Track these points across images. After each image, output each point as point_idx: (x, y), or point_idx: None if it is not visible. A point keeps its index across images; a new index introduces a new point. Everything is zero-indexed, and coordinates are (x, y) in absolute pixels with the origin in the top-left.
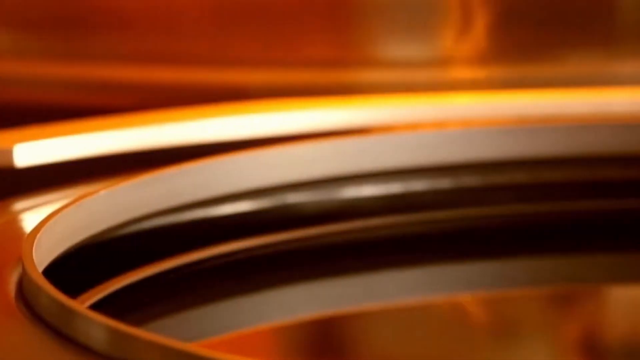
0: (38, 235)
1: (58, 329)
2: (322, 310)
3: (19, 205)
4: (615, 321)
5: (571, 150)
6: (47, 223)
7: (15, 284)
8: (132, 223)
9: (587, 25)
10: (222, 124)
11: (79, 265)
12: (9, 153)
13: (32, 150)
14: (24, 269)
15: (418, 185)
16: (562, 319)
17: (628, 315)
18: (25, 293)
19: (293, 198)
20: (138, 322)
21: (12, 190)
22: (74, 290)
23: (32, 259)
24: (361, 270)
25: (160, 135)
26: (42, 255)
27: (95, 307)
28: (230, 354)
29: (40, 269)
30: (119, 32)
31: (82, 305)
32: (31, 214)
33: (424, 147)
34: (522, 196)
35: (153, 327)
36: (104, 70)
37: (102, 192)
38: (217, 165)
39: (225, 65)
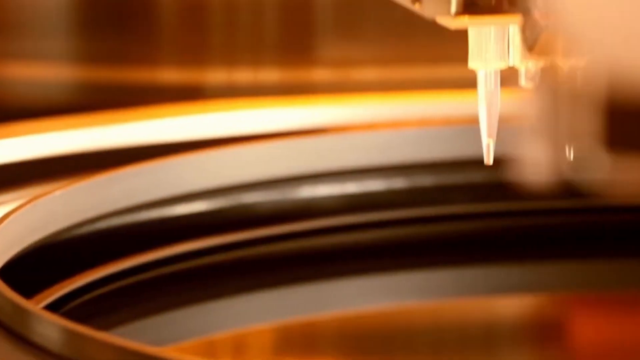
0: None
1: (13, 330)
2: (276, 316)
3: None
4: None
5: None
6: (1, 223)
7: None
8: (88, 223)
9: None
10: (177, 123)
11: (34, 266)
12: None
13: None
14: None
15: (374, 184)
16: (526, 323)
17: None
18: None
19: (249, 198)
20: (92, 323)
21: None
22: (29, 290)
23: None
24: (317, 273)
25: (115, 136)
26: None
27: (50, 307)
28: (183, 353)
29: None
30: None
31: (36, 305)
32: None
33: (379, 147)
34: (477, 196)
35: (107, 328)
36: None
37: (57, 193)
38: (172, 165)
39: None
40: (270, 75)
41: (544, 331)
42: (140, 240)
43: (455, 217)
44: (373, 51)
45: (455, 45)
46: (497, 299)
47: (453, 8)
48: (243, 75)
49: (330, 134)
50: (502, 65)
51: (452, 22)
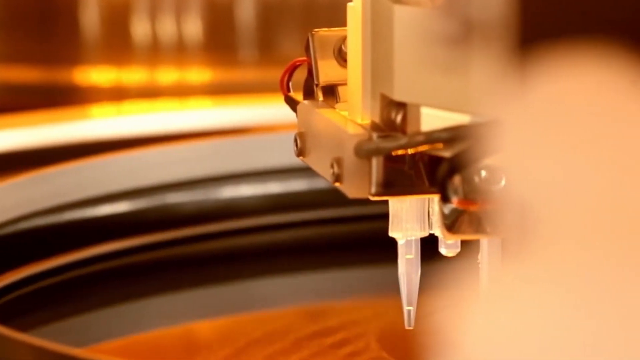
0: None
1: None
2: (199, 316)
3: None
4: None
5: None
6: None
7: None
8: (10, 224)
9: None
10: (100, 124)
11: None
12: None
13: None
14: None
15: (297, 184)
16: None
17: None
18: None
19: (172, 198)
20: (13, 324)
21: None
22: None
23: None
24: (240, 273)
25: (38, 136)
26: None
27: None
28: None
29: None
30: None
31: None
32: None
33: None
34: None
35: (28, 328)
36: None
37: None
38: (95, 165)
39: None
40: (194, 75)
41: None
42: (63, 241)
43: (378, 216)
44: (297, 51)
45: None
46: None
47: (373, 189)
48: (166, 75)
49: (254, 134)
50: (422, 234)
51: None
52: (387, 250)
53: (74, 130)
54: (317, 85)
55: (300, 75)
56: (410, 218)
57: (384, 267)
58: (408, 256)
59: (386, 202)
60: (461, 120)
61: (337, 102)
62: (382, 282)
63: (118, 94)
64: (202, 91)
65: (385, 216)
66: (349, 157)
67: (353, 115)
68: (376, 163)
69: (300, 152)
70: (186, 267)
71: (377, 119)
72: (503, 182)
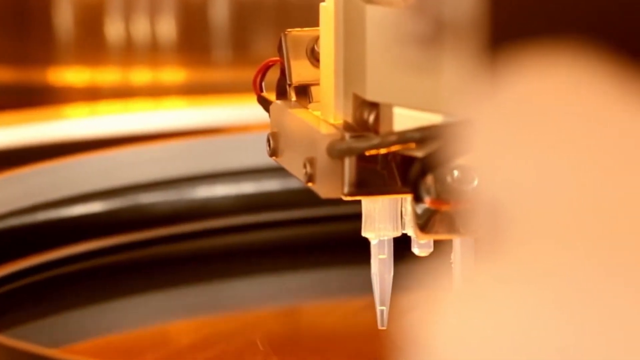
0: None
1: None
2: (173, 316)
3: None
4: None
5: None
6: None
7: None
8: None
9: None
10: (75, 124)
11: None
12: None
13: None
14: None
15: (271, 185)
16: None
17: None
18: None
19: (146, 198)
20: None
21: None
22: None
23: None
24: (214, 273)
25: (11, 136)
26: None
27: None
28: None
29: None
30: None
31: None
32: None
33: None
34: None
35: (3, 328)
36: None
37: None
38: (69, 166)
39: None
40: (168, 75)
41: None
42: (37, 241)
43: (351, 216)
44: (271, 51)
45: None
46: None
47: (345, 189)
48: (140, 76)
49: (227, 134)
50: (395, 234)
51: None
52: (361, 250)
53: (48, 131)
54: (289, 85)
55: (273, 75)
56: (383, 218)
57: (359, 267)
58: (381, 256)
59: (359, 202)
60: (433, 120)
61: (309, 102)
62: (356, 282)
63: (92, 94)
64: (176, 91)
65: (358, 216)
66: (321, 157)
67: (326, 116)
68: (349, 163)
69: (273, 152)
70: (160, 267)
71: (349, 119)
72: (475, 182)
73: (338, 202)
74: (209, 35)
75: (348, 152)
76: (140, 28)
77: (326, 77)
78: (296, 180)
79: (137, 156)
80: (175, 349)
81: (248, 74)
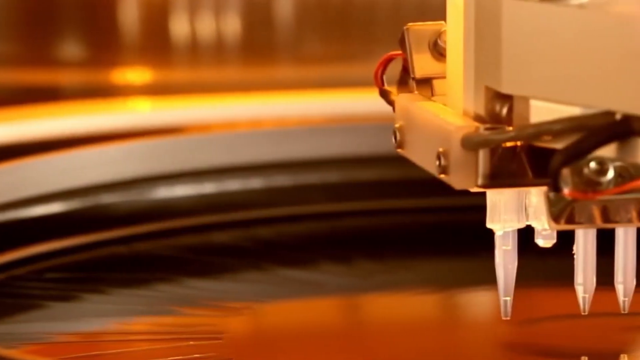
0: None
1: None
2: (131, 316)
3: None
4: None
5: (383, 149)
6: None
7: None
8: None
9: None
10: (35, 124)
11: None
12: None
13: None
14: None
15: (231, 185)
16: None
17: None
18: None
19: (105, 199)
20: None
21: None
22: None
23: None
24: (174, 273)
25: None
26: None
27: None
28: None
29: None
30: None
31: None
32: None
33: (237, 147)
34: (334, 195)
35: None
36: None
37: None
38: (29, 166)
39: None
40: (129, 75)
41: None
42: None
43: (312, 216)
44: (233, 51)
45: (314, 44)
46: (358, 298)
47: (480, 180)
48: (101, 76)
49: (188, 134)
50: (519, 225)
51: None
52: (328, 251)
53: (7, 131)
54: (413, 78)
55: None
56: (508, 209)
57: (318, 267)
58: (505, 247)
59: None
60: (571, 112)
61: (432, 95)
62: (317, 282)
63: (53, 94)
64: (137, 91)
65: (319, 217)
66: (455, 149)
67: (453, 108)
68: (483, 155)
69: (400, 145)
70: (120, 267)
71: (481, 112)
72: (611, 173)
73: (298, 201)
74: (171, 35)
75: (484, 144)
76: (104, 28)
77: (454, 70)
78: (256, 180)
79: (97, 156)
80: (136, 349)
81: (208, 75)
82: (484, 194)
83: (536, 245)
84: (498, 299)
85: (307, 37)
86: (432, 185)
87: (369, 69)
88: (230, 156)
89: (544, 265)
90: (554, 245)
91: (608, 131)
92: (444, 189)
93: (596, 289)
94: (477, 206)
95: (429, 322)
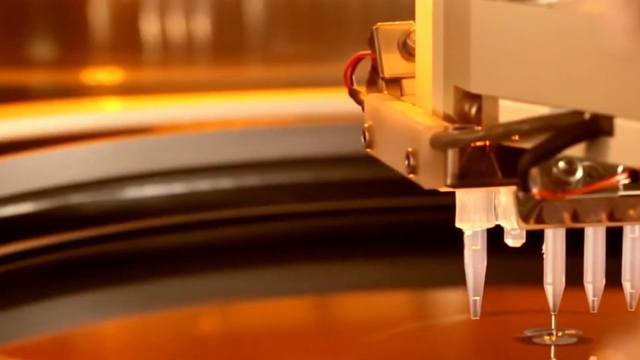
0: None
1: None
2: (102, 316)
3: None
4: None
5: (353, 149)
6: None
7: None
8: None
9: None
10: (5, 124)
11: None
12: None
13: None
14: None
15: (201, 185)
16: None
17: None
18: None
19: (76, 199)
20: None
21: None
22: None
23: None
24: (144, 273)
25: None
26: None
27: None
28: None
29: None
30: None
31: None
32: None
33: (207, 147)
34: (304, 195)
35: None
36: None
37: None
38: None
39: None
40: (99, 75)
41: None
42: None
43: (281, 216)
44: (203, 51)
45: (284, 44)
46: (328, 298)
47: (449, 180)
48: (71, 76)
49: (157, 134)
50: (489, 225)
51: (447, 186)
52: (298, 250)
53: None
54: (382, 78)
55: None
56: (477, 209)
57: (289, 267)
58: (474, 247)
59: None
60: (540, 111)
61: (401, 95)
62: (287, 282)
63: (23, 94)
64: (107, 91)
65: (289, 217)
66: (424, 148)
67: (422, 108)
68: (452, 155)
69: (369, 145)
70: (90, 267)
71: (450, 111)
72: (580, 173)
73: (267, 201)
74: (141, 35)
75: (453, 143)
76: (74, 28)
77: (423, 70)
78: (226, 180)
79: (67, 156)
80: (107, 349)
81: (178, 75)
82: (453, 193)
83: (506, 245)
84: (467, 299)
85: (277, 37)
86: (402, 185)
87: (339, 68)
88: (200, 156)
89: (514, 265)
90: (524, 245)
91: (577, 131)
92: (414, 188)
93: (566, 288)
94: (447, 206)
95: (398, 321)
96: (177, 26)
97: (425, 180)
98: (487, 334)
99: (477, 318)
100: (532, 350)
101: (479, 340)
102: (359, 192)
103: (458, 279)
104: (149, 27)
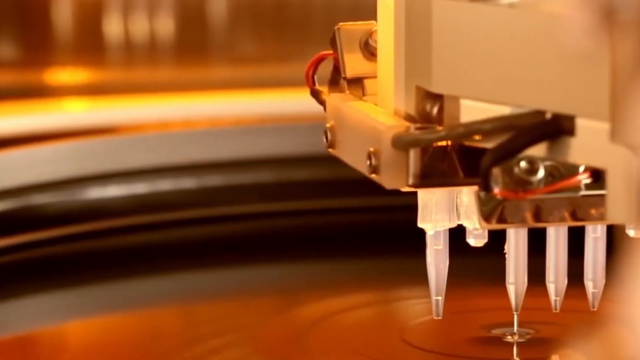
0: None
1: None
2: (64, 317)
3: None
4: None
5: (316, 149)
6: None
7: None
8: None
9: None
10: None
11: None
12: None
13: None
14: None
15: (163, 185)
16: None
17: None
18: None
19: (38, 199)
20: None
21: None
22: None
23: None
24: (106, 273)
25: None
26: None
27: None
28: None
29: None
30: None
31: None
32: None
33: (170, 147)
34: (267, 195)
35: None
36: None
37: None
38: None
39: None
40: (62, 75)
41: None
42: None
43: (245, 216)
44: (166, 51)
45: (247, 45)
46: (291, 298)
47: (410, 180)
48: (34, 76)
49: (120, 135)
50: (451, 225)
51: (409, 186)
52: (261, 250)
53: None
54: (344, 78)
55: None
56: (439, 209)
57: (252, 267)
58: (437, 247)
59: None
60: (501, 111)
61: (363, 95)
62: (250, 282)
63: None
64: (70, 92)
65: (252, 217)
66: (386, 148)
67: (384, 108)
68: (414, 154)
69: (331, 145)
70: (53, 267)
71: (411, 111)
72: (542, 172)
73: (230, 201)
74: (104, 36)
75: (415, 143)
76: (36, 29)
77: (385, 69)
78: (189, 180)
79: (30, 157)
80: (69, 350)
81: (141, 75)
82: (416, 193)
83: (469, 245)
84: (430, 299)
85: (241, 37)
86: (364, 185)
87: (302, 69)
88: (163, 156)
89: (477, 265)
90: (486, 244)
91: (538, 130)
92: (376, 188)
93: (529, 287)
94: (410, 206)
95: (361, 321)
96: (140, 26)
97: (387, 180)
98: (451, 333)
99: (440, 318)
100: (496, 349)
101: (442, 339)
102: (322, 192)
103: (422, 279)
104: (113, 27)
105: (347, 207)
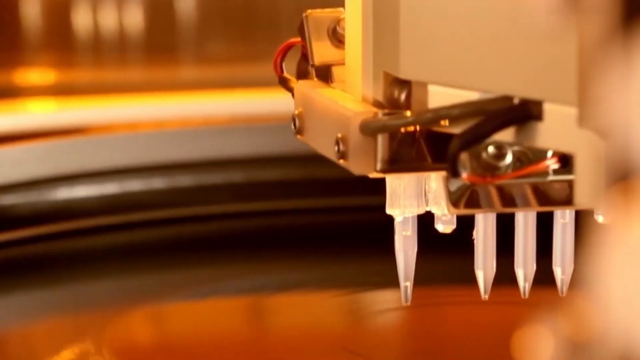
0: None
1: None
2: (33, 317)
3: None
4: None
5: (288, 149)
6: None
7: None
8: None
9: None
10: None
11: None
12: None
13: None
14: None
15: (133, 185)
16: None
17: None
18: None
19: (6, 200)
20: None
21: None
22: None
23: None
24: (75, 274)
25: None
26: None
27: None
28: None
29: None
30: None
31: None
32: None
33: (140, 147)
34: (238, 195)
35: None
36: None
37: None
38: None
39: None
40: (30, 76)
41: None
42: None
43: (215, 216)
44: (136, 51)
45: (217, 45)
46: (261, 298)
47: (378, 165)
48: (2, 76)
49: (89, 135)
50: (419, 211)
51: (377, 172)
52: (232, 251)
53: None
54: (312, 66)
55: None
56: (408, 195)
57: (222, 267)
58: (405, 233)
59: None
60: (469, 96)
61: (331, 82)
62: (220, 282)
63: None
64: (39, 92)
65: (223, 217)
66: (353, 134)
67: (352, 94)
68: (381, 140)
69: (299, 131)
70: (21, 268)
71: (379, 97)
72: (510, 157)
73: (201, 201)
74: (73, 36)
75: (383, 129)
76: (5, 27)
77: (353, 56)
78: (160, 181)
79: None
80: (36, 349)
81: (111, 75)
82: (385, 195)
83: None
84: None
85: (210, 37)
86: (336, 185)
87: (272, 69)
88: (133, 156)
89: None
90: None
91: (506, 115)
92: (348, 188)
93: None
94: (382, 206)
95: (333, 321)
96: (109, 26)
97: (355, 166)
98: (422, 327)
99: (408, 304)
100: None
101: (412, 334)
102: (293, 192)
103: (394, 278)
104: (82, 27)
105: (319, 207)
